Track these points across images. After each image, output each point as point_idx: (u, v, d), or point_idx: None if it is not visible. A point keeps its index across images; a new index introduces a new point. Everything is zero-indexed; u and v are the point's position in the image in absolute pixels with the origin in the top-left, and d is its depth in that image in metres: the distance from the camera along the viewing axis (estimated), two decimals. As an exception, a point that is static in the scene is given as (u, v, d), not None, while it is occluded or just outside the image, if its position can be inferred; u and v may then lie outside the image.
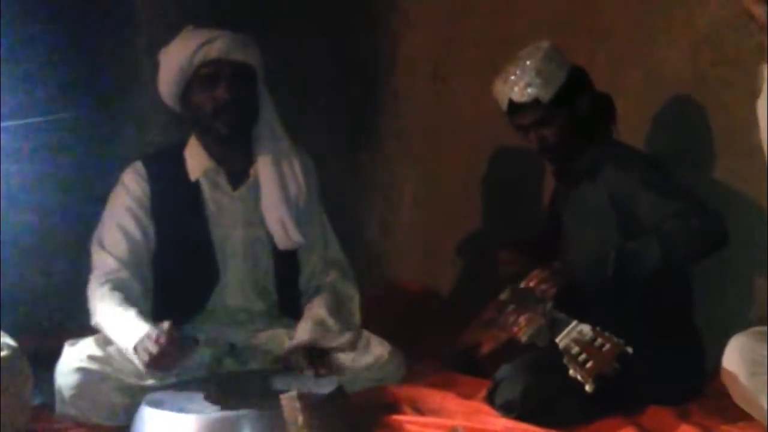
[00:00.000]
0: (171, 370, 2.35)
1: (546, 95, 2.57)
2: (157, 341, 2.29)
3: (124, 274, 2.57)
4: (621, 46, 3.09)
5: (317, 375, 2.44)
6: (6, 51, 3.29)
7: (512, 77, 2.59)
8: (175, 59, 2.63)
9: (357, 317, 2.78)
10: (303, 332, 2.62)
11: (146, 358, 2.31)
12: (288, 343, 2.62)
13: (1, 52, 3.26)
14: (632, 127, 2.91)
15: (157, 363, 2.31)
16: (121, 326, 2.43)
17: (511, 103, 2.60)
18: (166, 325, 2.32)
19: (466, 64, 3.52)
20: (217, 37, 2.63)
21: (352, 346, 2.66)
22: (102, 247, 2.62)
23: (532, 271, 2.56)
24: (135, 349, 2.35)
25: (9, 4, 3.27)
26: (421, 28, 3.68)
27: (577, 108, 2.62)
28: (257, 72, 2.69)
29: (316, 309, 2.68)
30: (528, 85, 2.56)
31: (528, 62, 2.58)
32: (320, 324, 2.64)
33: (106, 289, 2.53)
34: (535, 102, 2.57)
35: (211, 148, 2.70)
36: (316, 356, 2.54)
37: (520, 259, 2.78)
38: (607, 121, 2.71)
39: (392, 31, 3.76)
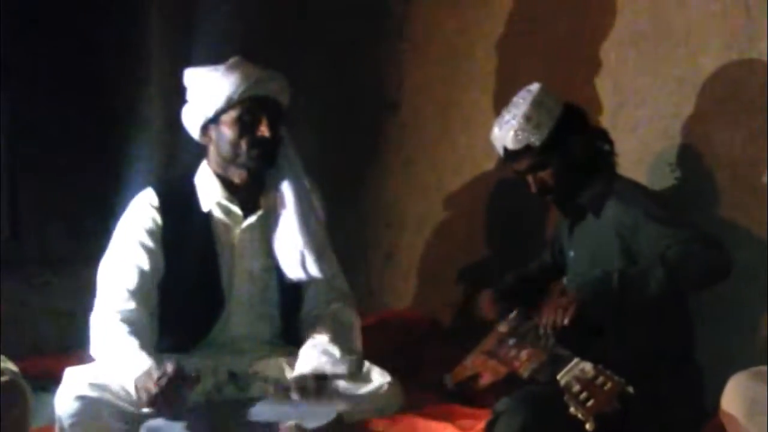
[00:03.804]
0: (167, 411, 2.33)
1: (537, 140, 2.58)
2: (157, 382, 2.30)
3: (133, 306, 2.56)
4: (624, 81, 3.10)
5: (320, 400, 2.45)
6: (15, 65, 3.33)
7: (505, 125, 2.62)
8: (225, 88, 2.60)
9: (357, 344, 2.77)
10: (308, 360, 2.62)
11: (144, 396, 2.31)
12: (295, 371, 2.61)
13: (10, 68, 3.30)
14: (635, 163, 2.92)
15: (155, 403, 2.31)
16: (124, 359, 2.43)
17: (506, 150, 2.63)
18: (169, 368, 2.32)
19: (471, 96, 3.53)
20: (274, 77, 2.66)
21: (354, 372, 2.66)
22: (111, 277, 2.62)
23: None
24: (135, 384, 2.36)
25: (18, 22, 3.31)
26: (429, 59, 3.70)
27: (572, 148, 2.62)
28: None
29: (320, 337, 2.67)
30: (518, 132, 2.58)
31: (518, 109, 2.61)
32: (325, 352, 2.63)
33: (113, 320, 2.52)
34: (528, 148, 2.59)
35: (226, 178, 2.71)
36: (321, 383, 2.54)
37: (498, 306, 2.82)
38: (606, 156, 2.72)
39: (400, 62, 3.78)
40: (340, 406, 2.48)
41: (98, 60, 3.61)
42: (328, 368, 2.60)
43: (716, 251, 2.40)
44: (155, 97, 3.62)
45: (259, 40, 3.61)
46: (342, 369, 2.62)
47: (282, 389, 2.54)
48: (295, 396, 2.50)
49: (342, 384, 2.61)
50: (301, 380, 2.54)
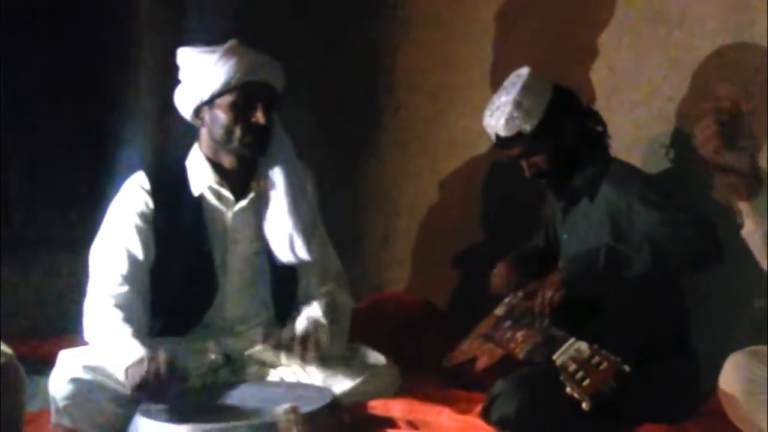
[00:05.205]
0: (154, 400, 2.31)
1: (528, 127, 2.57)
2: (148, 370, 2.28)
3: (126, 290, 2.55)
4: (619, 64, 3.10)
5: (304, 358, 2.53)
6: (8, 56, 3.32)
7: (496, 111, 2.61)
8: (222, 72, 2.58)
9: (346, 325, 2.76)
10: (299, 325, 2.62)
11: (136, 381, 2.30)
12: (284, 330, 2.63)
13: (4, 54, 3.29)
14: (628, 145, 2.92)
15: (143, 388, 2.30)
16: (117, 347, 2.41)
17: (498, 136, 2.62)
18: (161, 357, 2.31)
19: (466, 78, 3.53)
20: (270, 63, 2.65)
21: (342, 348, 2.68)
22: (103, 261, 2.60)
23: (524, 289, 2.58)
24: (126, 370, 2.34)
25: (11, 12, 3.30)
26: (423, 42, 3.69)
27: (564, 132, 2.62)
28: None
29: (312, 311, 2.68)
30: (509, 119, 2.57)
31: (508, 95, 2.59)
32: (315, 321, 2.64)
33: (107, 305, 2.51)
34: (519, 134, 2.58)
35: (217, 161, 2.69)
36: (307, 339, 2.56)
37: (515, 276, 2.77)
38: (599, 137, 2.71)
39: (393, 44, 3.77)
40: (336, 389, 2.50)
41: (89, 46, 3.60)
42: (317, 334, 2.60)
43: (707, 238, 2.39)
44: (147, 82, 3.60)
45: (250, 23, 3.60)
46: (331, 340, 2.63)
47: (272, 339, 2.54)
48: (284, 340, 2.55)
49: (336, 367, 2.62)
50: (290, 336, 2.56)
